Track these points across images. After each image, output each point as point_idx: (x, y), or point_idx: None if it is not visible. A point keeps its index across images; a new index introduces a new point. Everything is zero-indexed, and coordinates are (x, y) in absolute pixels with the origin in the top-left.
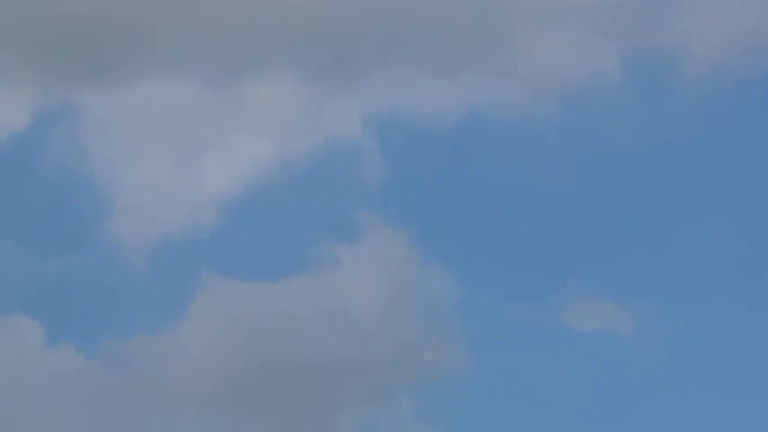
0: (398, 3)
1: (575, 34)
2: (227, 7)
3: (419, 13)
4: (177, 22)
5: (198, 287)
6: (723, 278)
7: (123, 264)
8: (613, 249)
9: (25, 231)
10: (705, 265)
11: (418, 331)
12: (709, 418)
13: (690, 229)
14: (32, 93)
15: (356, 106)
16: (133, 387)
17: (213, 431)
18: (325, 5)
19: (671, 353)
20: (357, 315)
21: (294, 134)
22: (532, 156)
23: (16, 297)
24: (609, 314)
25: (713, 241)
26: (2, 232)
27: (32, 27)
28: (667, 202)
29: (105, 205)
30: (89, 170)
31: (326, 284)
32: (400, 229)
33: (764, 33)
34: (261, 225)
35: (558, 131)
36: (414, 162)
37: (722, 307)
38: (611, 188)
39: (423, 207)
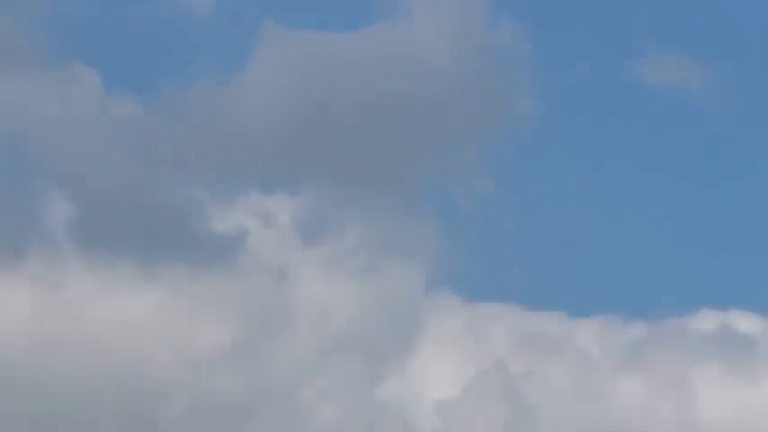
0: None
1: None
2: None
3: None
4: None
5: (261, 37)
6: None
7: (185, 11)
8: (687, 4)
9: None
10: None
11: (487, 82)
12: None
13: None
14: None
15: None
16: (192, 137)
17: (274, 181)
18: None
19: (739, 111)
20: (426, 64)
21: None
22: None
23: (73, 45)
24: (679, 68)
25: None
26: None
27: None
28: None
29: None
30: None
31: (396, 34)
32: None
33: None
34: None
35: None
36: None
37: None
38: None
39: None
